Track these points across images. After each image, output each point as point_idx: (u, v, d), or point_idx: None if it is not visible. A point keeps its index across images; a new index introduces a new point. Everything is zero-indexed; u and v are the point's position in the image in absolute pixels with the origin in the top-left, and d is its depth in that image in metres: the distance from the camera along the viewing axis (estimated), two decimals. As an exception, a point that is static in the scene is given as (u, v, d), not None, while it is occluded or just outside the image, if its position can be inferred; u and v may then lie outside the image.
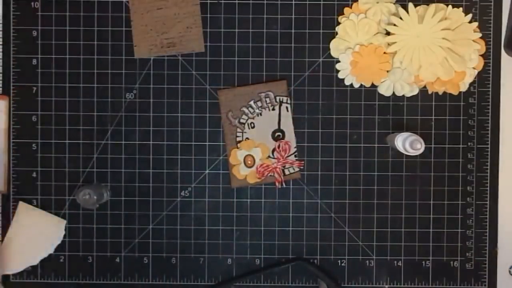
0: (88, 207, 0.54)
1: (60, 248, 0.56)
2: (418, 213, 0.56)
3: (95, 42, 0.56)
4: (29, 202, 0.56)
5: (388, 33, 0.54)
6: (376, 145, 0.56)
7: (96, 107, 0.56)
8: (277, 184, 0.55)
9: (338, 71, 0.55)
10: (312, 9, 0.56)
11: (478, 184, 0.56)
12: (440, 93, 0.55)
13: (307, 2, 0.56)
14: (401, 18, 0.52)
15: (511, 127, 0.56)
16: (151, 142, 0.56)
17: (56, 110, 0.56)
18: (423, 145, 0.50)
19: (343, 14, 0.55)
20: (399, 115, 0.56)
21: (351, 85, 0.56)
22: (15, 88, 0.56)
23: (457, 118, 0.56)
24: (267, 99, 0.55)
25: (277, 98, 0.55)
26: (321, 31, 0.56)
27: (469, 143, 0.56)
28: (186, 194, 0.56)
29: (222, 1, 0.56)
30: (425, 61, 0.52)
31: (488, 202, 0.56)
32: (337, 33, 0.55)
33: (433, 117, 0.56)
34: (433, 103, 0.56)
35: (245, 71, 0.56)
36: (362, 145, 0.56)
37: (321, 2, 0.56)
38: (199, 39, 0.56)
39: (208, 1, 0.56)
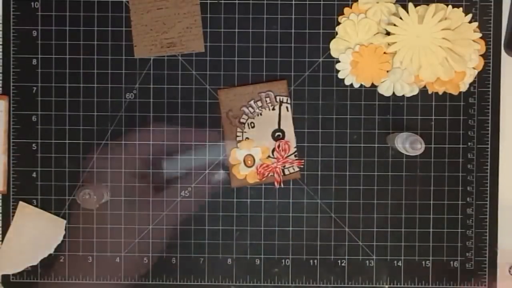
0: (88, 207, 0.54)
1: (60, 248, 0.56)
2: (418, 213, 0.56)
3: (95, 42, 0.56)
4: (29, 202, 0.56)
5: (388, 33, 0.54)
6: (376, 145, 0.56)
7: (96, 107, 0.56)
8: (275, 184, 0.55)
9: (338, 71, 0.55)
10: (312, 9, 0.56)
11: (478, 184, 0.56)
12: (440, 93, 0.55)
13: (307, 2, 0.56)
14: (401, 18, 0.52)
15: (511, 127, 0.56)
16: (151, 142, 0.56)
17: (56, 110, 0.56)
18: (423, 145, 0.50)
19: (343, 14, 0.55)
20: (399, 115, 0.56)
21: (351, 85, 0.55)
22: (15, 88, 0.56)
23: (457, 118, 0.56)
24: (267, 99, 0.55)
25: (277, 98, 0.55)
26: (321, 31, 0.56)
27: (469, 143, 0.56)
28: (186, 194, 0.56)
29: (222, 1, 0.56)
30: (425, 61, 0.52)
31: (488, 202, 0.56)
32: (337, 33, 0.55)
33: (433, 117, 0.56)
34: (433, 103, 0.56)
35: (245, 71, 0.56)
36: (362, 145, 0.56)
37: (321, 2, 0.56)
38: (199, 39, 0.55)
39: (208, 1, 0.56)
